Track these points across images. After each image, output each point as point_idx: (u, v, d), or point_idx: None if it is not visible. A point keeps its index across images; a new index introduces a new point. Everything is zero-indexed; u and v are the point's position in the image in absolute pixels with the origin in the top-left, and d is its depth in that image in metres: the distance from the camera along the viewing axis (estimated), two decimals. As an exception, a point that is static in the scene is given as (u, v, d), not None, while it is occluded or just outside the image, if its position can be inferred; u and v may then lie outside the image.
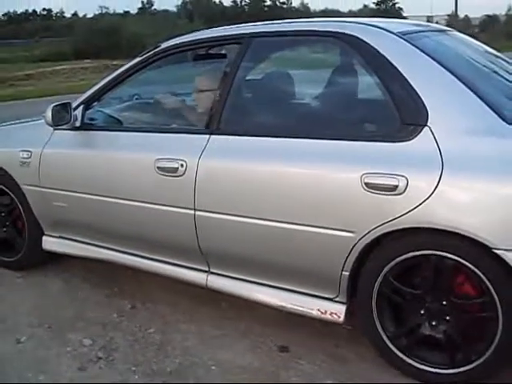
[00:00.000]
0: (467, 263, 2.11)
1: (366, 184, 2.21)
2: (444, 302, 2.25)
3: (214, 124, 2.71)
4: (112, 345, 2.83)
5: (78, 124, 3.18)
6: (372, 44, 2.39)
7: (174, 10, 59.45)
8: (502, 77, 2.67)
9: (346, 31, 2.49)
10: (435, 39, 2.76)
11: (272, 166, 2.49)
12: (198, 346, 2.80)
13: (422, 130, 2.17)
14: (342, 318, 2.45)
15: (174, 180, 2.73)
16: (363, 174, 2.21)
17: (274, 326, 2.86)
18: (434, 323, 2.29)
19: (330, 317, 2.48)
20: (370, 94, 2.55)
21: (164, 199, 2.82)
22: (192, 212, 2.71)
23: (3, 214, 3.72)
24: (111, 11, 57.73)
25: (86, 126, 3.19)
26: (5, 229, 3.72)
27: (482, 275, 2.10)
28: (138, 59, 3.12)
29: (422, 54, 2.35)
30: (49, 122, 3.13)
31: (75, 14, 63.39)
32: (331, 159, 2.34)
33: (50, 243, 3.52)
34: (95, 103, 3.24)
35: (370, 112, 2.54)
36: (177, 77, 3.61)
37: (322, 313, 2.49)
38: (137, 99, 3.59)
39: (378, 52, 2.36)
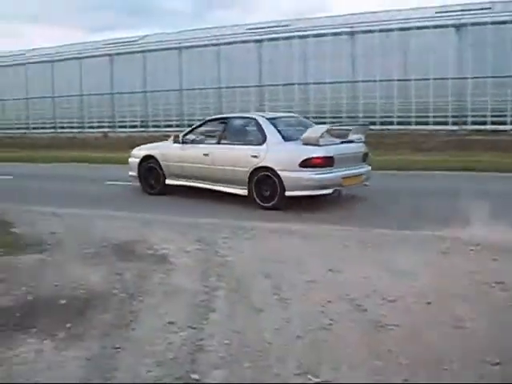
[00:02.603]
0: (272, 175, 9.51)
1: (251, 155, 9.69)
2: (268, 186, 9.63)
3: (218, 140, 10.67)
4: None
5: (180, 141, 11.08)
6: (258, 120, 10.18)
7: None
8: (296, 129, 10.32)
9: (252, 116, 10.87)
10: (281, 119, 10.71)
11: (229, 151, 10.29)
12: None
13: (264, 143, 9.74)
14: (246, 194, 9.83)
15: (207, 157, 10.48)
16: (251, 153, 9.76)
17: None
18: (267, 192, 9.65)
19: (245, 195, 9.88)
20: (255, 133, 10.14)
21: (204, 163, 10.50)
22: (213, 166, 10.44)
23: (151, 174, 11.52)
24: None
25: (182, 142, 11.09)
26: (153, 178, 11.50)
27: (275, 178, 9.44)
28: (200, 122, 11.88)
29: (270, 123, 9.97)
30: (170, 141, 11.59)
31: None
32: (244, 150, 10.04)
33: (169, 181, 11.23)
34: (188, 134, 11.22)
35: (254, 137, 10.09)
36: (209, 129, 11.41)
37: (244, 194, 9.87)
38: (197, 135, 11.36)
39: (258, 123, 10.08)
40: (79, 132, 29.38)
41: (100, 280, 5.74)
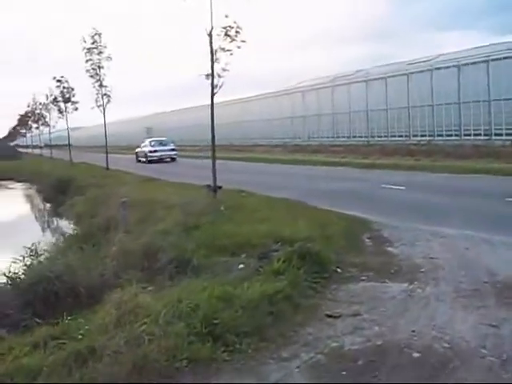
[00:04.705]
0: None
1: (146, 150, 42.41)
2: (146, 157, 41.40)
3: (146, 145, 43.68)
4: None
5: (140, 147, 44.69)
6: (149, 140, 44.37)
7: None
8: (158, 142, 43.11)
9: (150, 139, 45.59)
10: (156, 139, 43.86)
11: (144, 148, 43.66)
12: None
13: (148, 146, 42.96)
14: (145, 161, 41.89)
15: (143, 151, 43.61)
16: (146, 149, 42.25)
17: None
18: (146, 159, 41.28)
19: (145, 161, 42.46)
20: (148, 142, 43.28)
21: (142, 153, 43.16)
22: (142, 153, 44.28)
23: (136, 157, 45.07)
24: None
25: (139, 147, 45.63)
26: (137, 158, 44.35)
27: (148, 155, 40.72)
28: (144, 139, 47.86)
29: (152, 140, 43.50)
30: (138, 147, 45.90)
31: None
32: (145, 147, 43.47)
33: (139, 159, 42.52)
34: (142, 144, 46.55)
35: (148, 144, 43.15)
36: (146, 142, 45.50)
37: (145, 161, 42.02)
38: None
39: (149, 139, 44.54)
40: (485, 139, 27.94)
41: (469, 331, 4.77)
